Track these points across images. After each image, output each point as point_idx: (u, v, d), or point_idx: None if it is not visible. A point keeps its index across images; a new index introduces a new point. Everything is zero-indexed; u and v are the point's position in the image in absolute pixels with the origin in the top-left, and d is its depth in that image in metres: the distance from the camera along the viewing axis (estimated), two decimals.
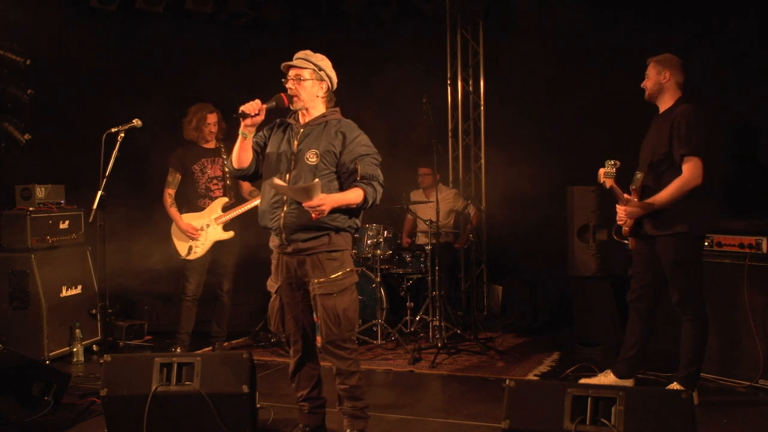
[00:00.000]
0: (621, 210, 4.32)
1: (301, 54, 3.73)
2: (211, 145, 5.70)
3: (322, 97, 3.73)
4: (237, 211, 5.61)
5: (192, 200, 5.64)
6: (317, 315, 3.69)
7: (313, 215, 3.46)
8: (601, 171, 4.38)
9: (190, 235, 5.57)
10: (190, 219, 5.61)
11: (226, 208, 5.64)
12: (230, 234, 5.64)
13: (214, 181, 5.66)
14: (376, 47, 7.23)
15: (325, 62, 3.74)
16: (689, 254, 4.27)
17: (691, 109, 4.19)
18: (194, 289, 5.67)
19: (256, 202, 5.33)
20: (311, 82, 3.68)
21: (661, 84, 4.30)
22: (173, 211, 5.61)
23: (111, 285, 5.87)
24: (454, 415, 4.26)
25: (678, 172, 4.16)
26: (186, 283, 5.67)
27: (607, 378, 4.57)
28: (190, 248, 5.61)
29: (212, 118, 5.62)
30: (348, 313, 3.64)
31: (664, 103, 4.34)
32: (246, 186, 5.70)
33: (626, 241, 4.59)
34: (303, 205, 3.47)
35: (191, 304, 5.69)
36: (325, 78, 3.71)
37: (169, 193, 5.63)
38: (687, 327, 4.30)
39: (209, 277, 5.74)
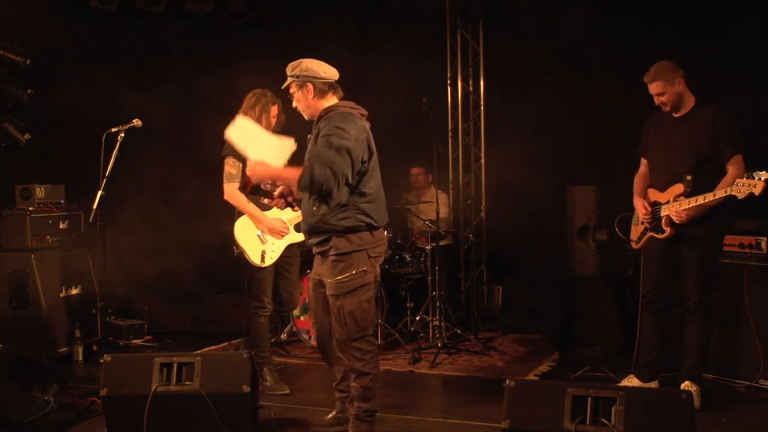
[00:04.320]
0: (680, 212, 4.16)
1: (287, 70, 3.79)
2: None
3: (315, 98, 3.76)
4: None
5: (255, 197, 4.63)
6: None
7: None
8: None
9: (283, 233, 4.74)
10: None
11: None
12: (302, 236, 4.62)
13: None
14: (376, 47, 7.22)
15: (300, 66, 3.74)
16: (719, 252, 4.33)
17: (727, 110, 4.19)
18: (270, 302, 4.80)
19: None
20: (299, 92, 3.78)
21: (679, 93, 4.27)
22: (253, 207, 4.65)
23: (111, 285, 5.88)
24: (454, 415, 4.26)
25: (722, 170, 4.14)
26: (262, 297, 4.75)
27: (631, 383, 4.51)
28: (263, 253, 4.69)
29: (275, 109, 4.75)
30: (355, 315, 3.66)
31: (685, 107, 4.31)
32: None
33: (632, 240, 4.56)
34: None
35: (267, 319, 4.83)
36: (307, 80, 3.73)
37: (236, 187, 4.64)
38: (698, 326, 4.28)
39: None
